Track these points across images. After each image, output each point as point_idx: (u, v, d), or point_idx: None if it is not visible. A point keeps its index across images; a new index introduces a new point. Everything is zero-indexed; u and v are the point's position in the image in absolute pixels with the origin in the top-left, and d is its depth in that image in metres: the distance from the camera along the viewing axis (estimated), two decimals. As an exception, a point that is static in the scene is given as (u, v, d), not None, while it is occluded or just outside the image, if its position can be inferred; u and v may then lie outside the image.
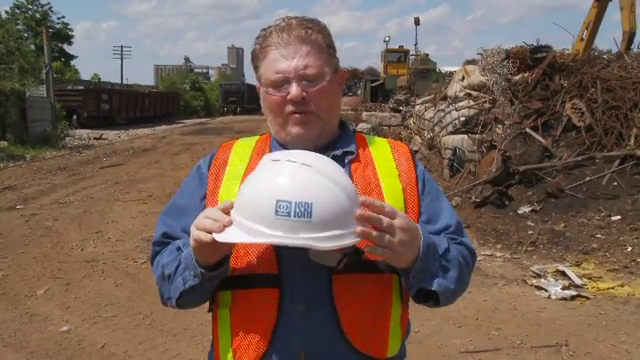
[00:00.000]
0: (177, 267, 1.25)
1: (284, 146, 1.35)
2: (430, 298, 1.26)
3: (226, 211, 1.13)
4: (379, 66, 33.72)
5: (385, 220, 1.10)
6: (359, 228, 1.08)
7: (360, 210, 1.09)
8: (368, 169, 1.34)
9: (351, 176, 1.30)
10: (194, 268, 1.19)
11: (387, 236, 1.10)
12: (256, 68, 1.36)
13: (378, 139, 1.46)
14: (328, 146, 1.35)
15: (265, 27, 1.35)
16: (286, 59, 1.27)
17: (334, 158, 1.32)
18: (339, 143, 1.37)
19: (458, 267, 1.27)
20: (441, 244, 1.25)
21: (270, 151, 1.37)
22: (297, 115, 1.29)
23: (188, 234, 1.31)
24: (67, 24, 45.58)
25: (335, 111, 1.37)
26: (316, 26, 1.32)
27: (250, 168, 1.34)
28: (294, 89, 1.27)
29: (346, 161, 1.34)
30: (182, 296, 1.26)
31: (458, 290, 1.29)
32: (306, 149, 1.30)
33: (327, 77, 1.31)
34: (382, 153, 1.38)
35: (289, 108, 1.29)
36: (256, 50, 1.35)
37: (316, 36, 1.30)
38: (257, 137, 1.46)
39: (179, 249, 1.27)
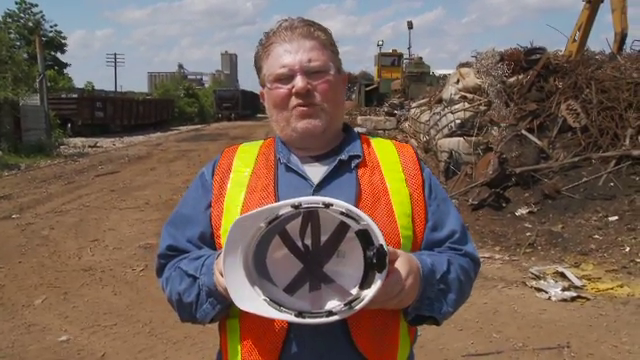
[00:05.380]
0: (198, 294, 1.25)
1: (290, 147, 1.34)
2: (428, 319, 1.26)
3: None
4: (373, 70, 33.81)
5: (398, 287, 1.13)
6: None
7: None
8: (375, 174, 1.32)
9: (358, 181, 1.29)
10: (218, 296, 1.21)
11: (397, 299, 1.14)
12: (259, 69, 1.35)
13: (383, 141, 1.43)
14: (334, 150, 1.34)
15: (267, 30, 1.35)
16: (290, 53, 1.28)
17: (340, 163, 1.31)
18: (345, 147, 1.35)
19: (458, 288, 1.27)
20: (439, 267, 1.24)
21: (275, 154, 1.35)
22: (302, 108, 1.28)
23: (193, 244, 1.32)
24: (60, 32, 45.34)
25: (340, 107, 1.36)
26: (318, 25, 1.34)
27: (255, 173, 1.32)
28: (299, 81, 1.27)
29: (352, 165, 1.31)
30: (214, 318, 1.27)
31: (458, 307, 1.30)
32: (313, 149, 1.31)
33: (331, 71, 1.31)
34: (388, 156, 1.36)
35: (294, 101, 1.28)
36: (259, 51, 1.35)
37: (319, 33, 1.32)
38: (261, 142, 1.43)
39: (192, 276, 1.26)
